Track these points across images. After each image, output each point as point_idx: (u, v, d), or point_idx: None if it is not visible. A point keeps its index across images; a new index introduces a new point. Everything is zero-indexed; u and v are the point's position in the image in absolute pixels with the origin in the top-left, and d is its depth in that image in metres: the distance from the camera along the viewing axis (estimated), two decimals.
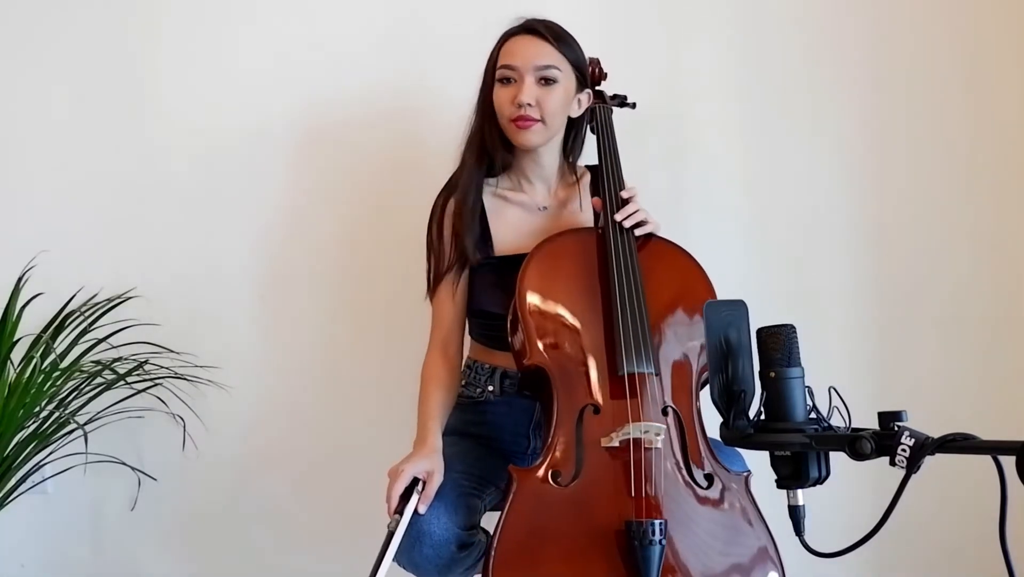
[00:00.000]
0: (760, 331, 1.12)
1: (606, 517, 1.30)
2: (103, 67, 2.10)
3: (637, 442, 1.32)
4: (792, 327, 1.11)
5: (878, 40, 2.03)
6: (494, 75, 1.55)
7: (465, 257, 1.57)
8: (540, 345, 1.41)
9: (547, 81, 1.53)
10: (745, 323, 1.15)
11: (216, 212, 2.08)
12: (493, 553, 1.27)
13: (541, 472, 1.34)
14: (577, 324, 1.44)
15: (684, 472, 1.36)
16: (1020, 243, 2.00)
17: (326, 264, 2.07)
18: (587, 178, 1.69)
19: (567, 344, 1.42)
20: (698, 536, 1.33)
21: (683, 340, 1.46)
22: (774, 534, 1.34)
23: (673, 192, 2.05)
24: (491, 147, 1.57)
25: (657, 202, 1.99)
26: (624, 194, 1.54)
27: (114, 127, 2.09)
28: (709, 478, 1.37)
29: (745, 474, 1.39)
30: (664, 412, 1.39)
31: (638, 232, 1.51)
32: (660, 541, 1.26)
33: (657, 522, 1.26)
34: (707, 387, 1.43)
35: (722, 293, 1.20)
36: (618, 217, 1.51)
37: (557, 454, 1.35)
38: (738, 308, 1.15)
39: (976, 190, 2.01)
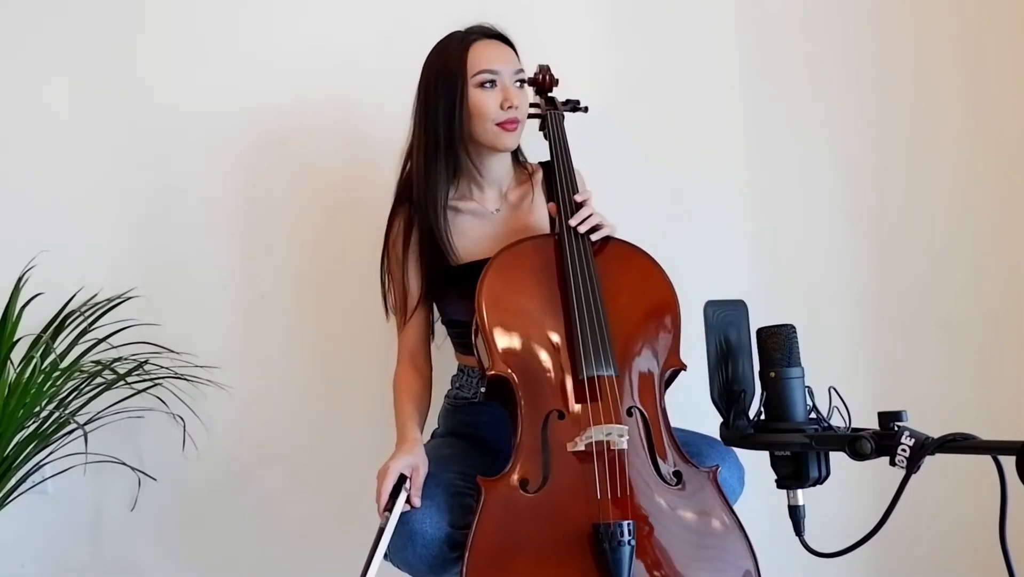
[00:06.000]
0: (760, 331, 1.13)
1: (576, 521, 1.30)
2: (104, 67, 2.10)
3: (601, 445, 1.33)
4: (792, 327, 1.11)
5: (880, 42, 2.03)
6: (464, 80, 1.52)
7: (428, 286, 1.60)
8: (501, 355, 1.41)
9: (521, 84, 1.57)
10: (745, 323, 1.15)
11: (216, 212, 2.08)
12: (465, 564, 1.28)
13: (509, 480, 1.34)
14: (537, 331, 1.43)
15: (651, 471, 1.36)
16: (1021, 244, 2.00)
17: (326, 264, 2.07)
18: (539, 174, 1.69)
19: (528, 352, 1.42)
20: (669, 534, 1.33)
21: (644, 340, 1.46)
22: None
23: (673, 192, 2.05)
24: (458, 153, 1.55)
25: (658, 203, 2.01)
26: (578, 198, 1.54)
27: (114, 127, 2.09)
28: (677, 476, 1.38)
29: (713, 468, 1.39)
30: (629, 413, 1.39)
31: (594, 236, 1.51)
32: (630, 542, 1.26)
33: (626, 523, 1.27)
34: (672, 385, 1.45)
35: (723, 293, 1.19)
36: (572, 222, 1.50)
37: (524, 461, 1.35)
38: (738, 308, 1.16)
39: (978, 190, 2.01)
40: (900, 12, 2.03)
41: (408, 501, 1.35)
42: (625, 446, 1.33)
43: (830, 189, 2.04)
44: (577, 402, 1.38)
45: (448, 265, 1.57)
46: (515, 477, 1.34)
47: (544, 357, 1.42)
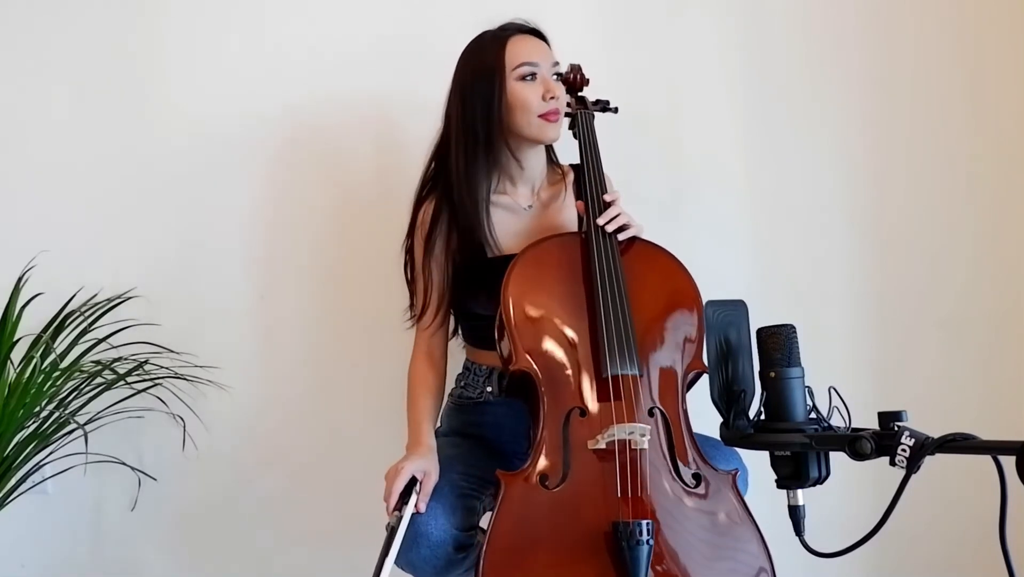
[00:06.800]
0: (760, 331, 1.13)
1: (595, 519, 1.30)
2: (104, 67, 2.09)
3: (623, 444, 1.33)
4: (792, 327, 1.11)
5: (880, 42, 2.03)
6: (503, 75, 1.53)
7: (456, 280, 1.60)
8: (525, 350, 1.41)
9: (559, 77, 1.59)
10: (745, 323, 1.15)
11: (216, 212, 2.08)
12: (483, 558, 1.28)
13: (529, 476, 1.34)
14: (562, 328, 1.43)
15: (671, 472, 1.37)
16: (1021, 244, 2.00)
17: (325, 264, 2.07)
18: (571, 176, 1.70)
19: (552, 348, 1.42)
20: (686, 536, 1.33)
21: (668, 341, 1.46)
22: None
23: (674, 192, 2.05)
24: (498, 149, 1.55)
25: (658, 202, 2.01)
26: (607, 198, 1.54)
27: (114, 127, 2.09)
28: (697, 477, 1.38)
29: (733, 472, 1.39)
30: (650, 413, 1.39)
31: (621, 236, 1.51)
32: (648, 541, 1.26)
33: (644, 522, 1.27)
34: (694, 387, 1.45)
35: (723, 293, 1.20)
36: (600, 221, 1.50)
37: (544, 457, 1.35)
38: (738, 308, 1.16)
39: (977, 190, 2.01)
40: (900, 12, 2.03)
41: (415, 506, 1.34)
42: (646, 446, 1.33)
43: (830, 189, 2.04)
44: (599, 400, 1.38)
45: (483, 259, 1.57)
46: (535, 472, 1.34)
47: (568, 354, 1.42)
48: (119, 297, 1.97)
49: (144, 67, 2.10)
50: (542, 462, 1.35)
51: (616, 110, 1.76)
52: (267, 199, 2.08)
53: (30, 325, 1.87)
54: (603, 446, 1.33)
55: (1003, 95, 2.02)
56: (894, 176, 2.03)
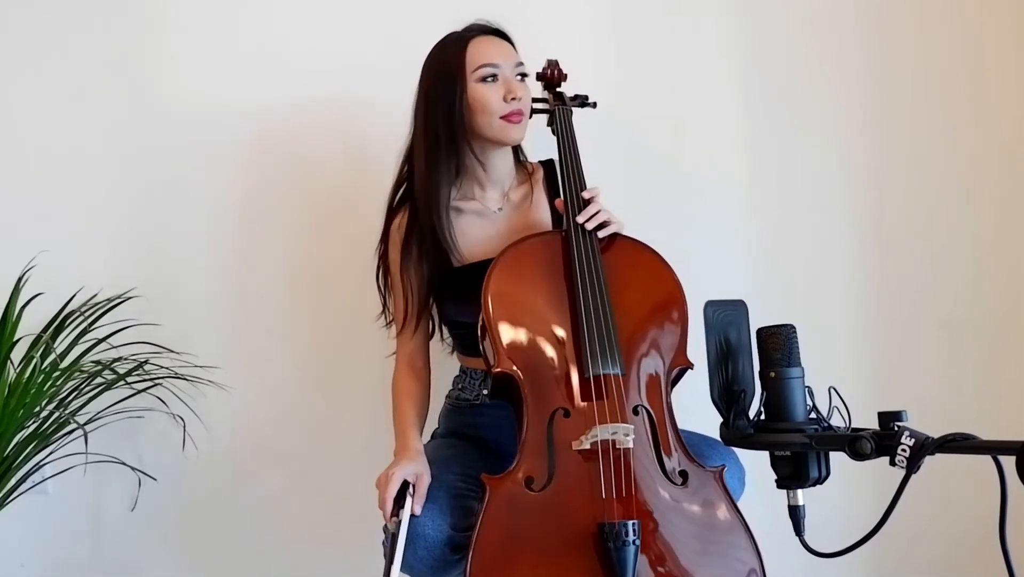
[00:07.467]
0: (760, 331, 1.13)
1: (581, 520, 1.29)
2: (103, 67, 2.10)
3: (607, 444, 1.32)
4: (792, 327, 1.11)
5: (881, 41, 2.03)
6: (463, 77, 1.52)
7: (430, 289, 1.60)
8: (507, 352, 1.40)
9: (523, 77, 1.56)
10: (745, 323, 1.15)
11: (216, 212, 2.08)
12: (470, 562, 1.27)
13: (514, 478, 1.34)
14: (544, 329, 1.42)
15: (657, 470, 1.36)
16: (1021, 244, 2.00)
17: (326, 265, 2.07)
18: (540, 173, 1.69)
19: (534, 349, 1.41)
20: (674, 534, 1.32)
21: (651, 339, 1.45)
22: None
23: (674, 192, 2.05)
24: (461, 152, 1.55)
25: (658, 202, 2.01)
26: (586, 195, 1.53)
27: (114, 127, 2.09)
28: (683, 475, 1.37)
29: (719, 468, 1.39)
30: (635, 411, 1.39)
31: (601, 233, 1.50)
32: (634, 541, 1.26)
33: (631, 523, 1.26)
34: (678, 384, 1.45)
35: (723, 293, 1.20)
36: (580, 219, 1.49)
37: (529, 459, 1.35)
38: (738, 308, 1.16)
39: (978, 191, 2.01)
40: (900, 12, 2.03)
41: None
42: (631, 445, 1.32)
43: (830, 189, 2.04)
44: (583, 400, 1.37)
45: (451, 267, 1.57)
46: (520, 475, 1.34)
47: (550, 355, 1.41)
48: (119, 297, 1.97)
49: (145, 68, 2.10)
50: (527, 464, 1.34)
51: (595, 105, 1.74)
52: (268, 199, 2.08)
53: (30, 325, 1.87)
54: (588, 447, 1.33)
55: (1003, 95, 2.02)
56: (894, 176, 2.03)
